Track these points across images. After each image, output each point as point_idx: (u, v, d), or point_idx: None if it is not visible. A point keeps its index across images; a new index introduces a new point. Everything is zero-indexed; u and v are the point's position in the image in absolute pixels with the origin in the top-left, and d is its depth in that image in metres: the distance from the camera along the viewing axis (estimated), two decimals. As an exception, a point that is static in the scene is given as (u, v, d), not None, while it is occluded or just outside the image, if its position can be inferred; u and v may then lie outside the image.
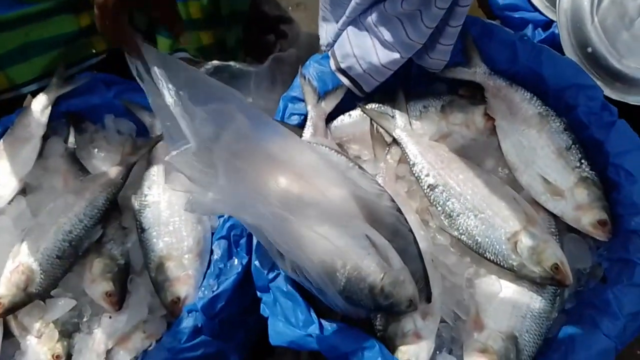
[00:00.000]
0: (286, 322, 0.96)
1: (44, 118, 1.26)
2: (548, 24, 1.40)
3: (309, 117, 1.13)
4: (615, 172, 1.03)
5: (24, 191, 1.23)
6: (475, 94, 1.15)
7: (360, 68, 1.10)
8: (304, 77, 1.16)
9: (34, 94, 1.30)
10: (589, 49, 1.23)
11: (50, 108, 1.27)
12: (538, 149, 1.07)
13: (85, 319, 1.12)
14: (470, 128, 1.13)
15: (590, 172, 1.04)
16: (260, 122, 0.84)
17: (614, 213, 1.02)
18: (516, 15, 1.46)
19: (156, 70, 0.79)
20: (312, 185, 0.89)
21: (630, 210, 0.99)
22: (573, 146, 1.06)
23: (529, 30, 1.41)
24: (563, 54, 1.25)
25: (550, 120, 1.08)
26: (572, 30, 1.26)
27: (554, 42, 1.31)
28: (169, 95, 0.76)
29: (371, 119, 1.14)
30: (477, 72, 1.13)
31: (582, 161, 1.05)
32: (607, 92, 1.19)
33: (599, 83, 1.11)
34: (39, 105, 1.26)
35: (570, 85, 1.07)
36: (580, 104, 1.06)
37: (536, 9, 1.42)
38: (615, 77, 1.22)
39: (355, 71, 1.11)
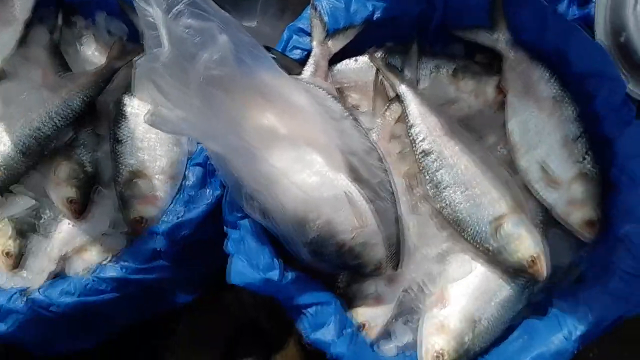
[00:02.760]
0: (248, 263, 0.92)
1: (30, 1, 1.16)
2: (586, 0, 1.30)
3: (312, 54, 1.06)
4: (618, 174, 0.97)
5: (-1, 77, 1.16)
6: (492, 63, 1.09)
7: None
8: (315, 9, 1.07)
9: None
10: (622, 37, 1.14)
11: (38, -9, 1.17)
12: (544, 134, 1.02)
13: (42, 221, 1.08)
14: (479, 98, 1.08)
15: (592, 169, 0.99)
16: (251, 51, 0.76)
17: (606, 216, 0.98)
18: (554, -16, 1.35)
19: None
20: (297, 128, 0.83)
21: (623, 217, 0.95)
22: (580, 138, 1.00)
23: (563, 4, 1.31)
24: (594, 37, 1.16)
25: (564, 106, 1.02)
26: (610, 13, 1.16)
27: (587, 22, 1.22)
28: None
29: (377, 69, 1.08)
30: (500, 39, 1.05)
31: (586, 155, 1.00)
32: (629, 85, 1.12)
33: (622, 74, 1.04)
34: (26, -14, 1.17)
35: (594, 73, 1.00)
36: (601, 95, 1.00)
37: (576, -18, 1.32)
38: (642, 71, 1.14)
39: None
